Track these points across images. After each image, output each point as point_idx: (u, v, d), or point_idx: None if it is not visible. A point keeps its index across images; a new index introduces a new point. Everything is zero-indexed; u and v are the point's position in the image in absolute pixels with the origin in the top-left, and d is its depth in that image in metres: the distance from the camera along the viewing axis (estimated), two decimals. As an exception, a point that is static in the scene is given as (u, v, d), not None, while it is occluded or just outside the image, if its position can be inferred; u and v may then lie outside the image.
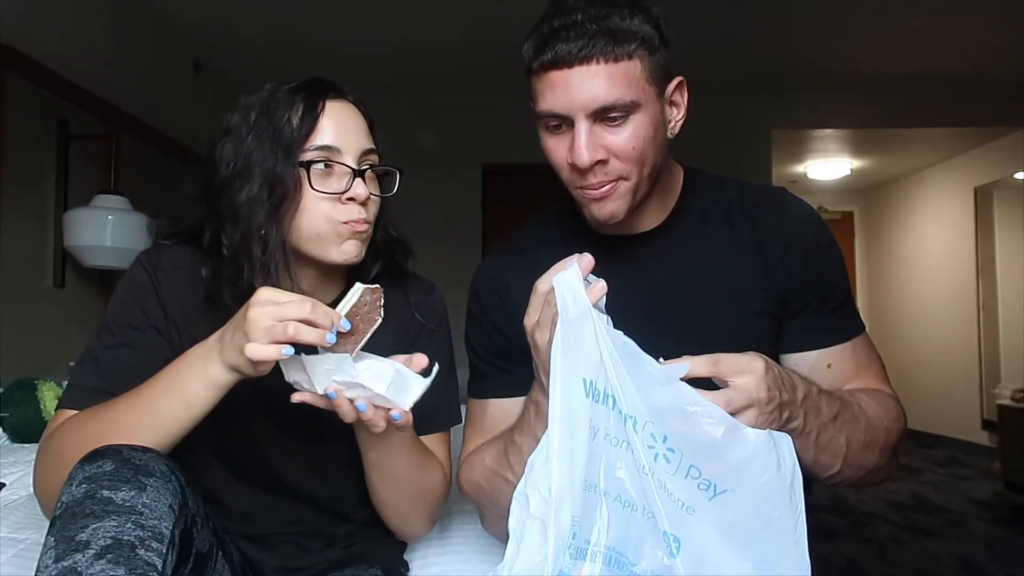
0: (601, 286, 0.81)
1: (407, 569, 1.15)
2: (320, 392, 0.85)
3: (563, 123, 0.93)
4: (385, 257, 1.08)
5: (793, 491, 0.76)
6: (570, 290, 0.79)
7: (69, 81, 2.72)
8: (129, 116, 3.08)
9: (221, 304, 0.97)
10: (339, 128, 0.97)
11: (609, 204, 0.96)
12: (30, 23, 2.61)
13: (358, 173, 0.97)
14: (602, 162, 0.93)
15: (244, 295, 0.94)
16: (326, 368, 0.85)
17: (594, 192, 0.95)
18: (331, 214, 0.96)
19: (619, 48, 0.88)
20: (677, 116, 0.98)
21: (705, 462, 0.75)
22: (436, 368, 0.89)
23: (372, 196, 0.99)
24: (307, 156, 0.95)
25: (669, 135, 0.98)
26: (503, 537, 0.79)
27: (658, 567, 0.75)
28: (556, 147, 0.95)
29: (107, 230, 2.68)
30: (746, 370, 0.79)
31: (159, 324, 1.00)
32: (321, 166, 0.96)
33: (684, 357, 0.80)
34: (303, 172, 0.95)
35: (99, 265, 2.77)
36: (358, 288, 0.88)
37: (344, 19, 3.74)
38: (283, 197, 0.94)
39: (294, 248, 0.98)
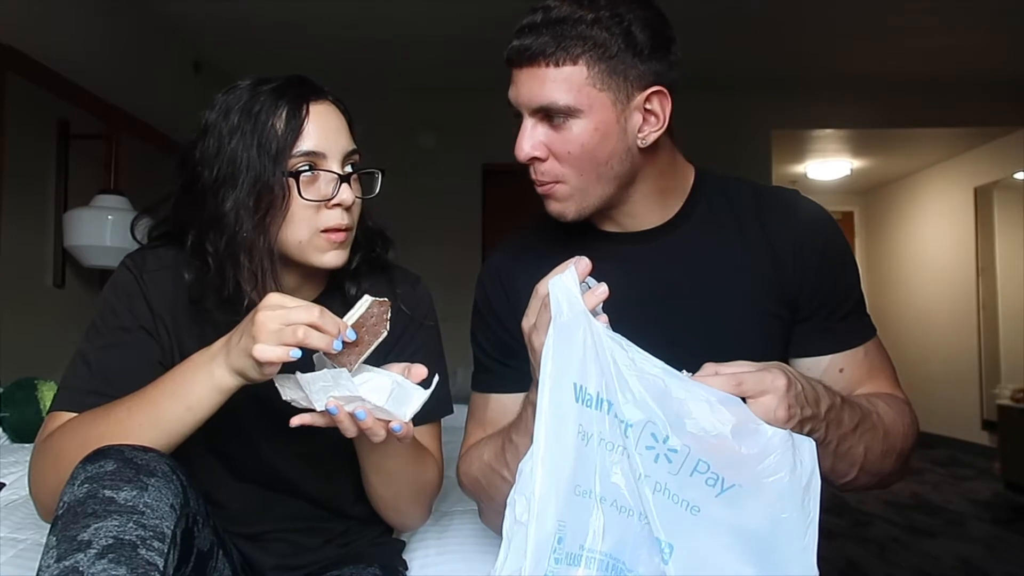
0: (602, 290, 0.81)
1: (406, 568, 1.15)
2: (319, 409, 0.85)
3: (521, 117, 0.97)
4: (365, 249, 1.08)
5: (807, 496, 0.74)
6: (565, 294, 0.79)
7: (69, 81, 2.72)
8: (129, 116, 3.08)
9: (206, 308, 0.98)
10: (324, 132, 0.96)
11: (553, 204, 0.99)
12: (30, 23, 2.61)
13: (344, 178, 0.97)
14: (540, 159, 0.96)
15: (230, 302, 0.96)
16: (323, 385, 0.84)
17: (539, 189, 0.99)
18: (314, 221, 0.96)
19: (561, 52, 0.90)
20: (654, 126, 0.96)
21: (713, 455, 0.74)
22: (436, 379, 0.89)
23: (356, 199, 0.99)
24: (294, 163, 0.94)
25: (640, 144, 0.96)
26: (500, 531, 0.80)
27: (655, 573, 0.74)
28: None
29: (107, 230, 2.68)
30: (768, 389, 0.77)
31: (147, 324, 1.00)
32: (308, 173, 0.95)
33: (707, 365, 0.79)
34: (292, 181, 0.94)
35: (99, 265, 2.77)
36: (366, 300, 0.88)
37: (344, 19, 3.73)
38: (271, 205, 0.94)
39: (279, 253, 0.98)
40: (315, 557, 1.08)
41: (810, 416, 0.81)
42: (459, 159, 4.83)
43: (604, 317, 0.81)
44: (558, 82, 0.91)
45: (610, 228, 1.05)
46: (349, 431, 0.86)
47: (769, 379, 0.78)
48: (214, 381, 0.86)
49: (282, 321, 0.81)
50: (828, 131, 5.28)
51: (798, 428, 0.79)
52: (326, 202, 0.96)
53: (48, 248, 2.79)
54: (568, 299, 0.79)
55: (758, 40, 4.08)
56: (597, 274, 0.85)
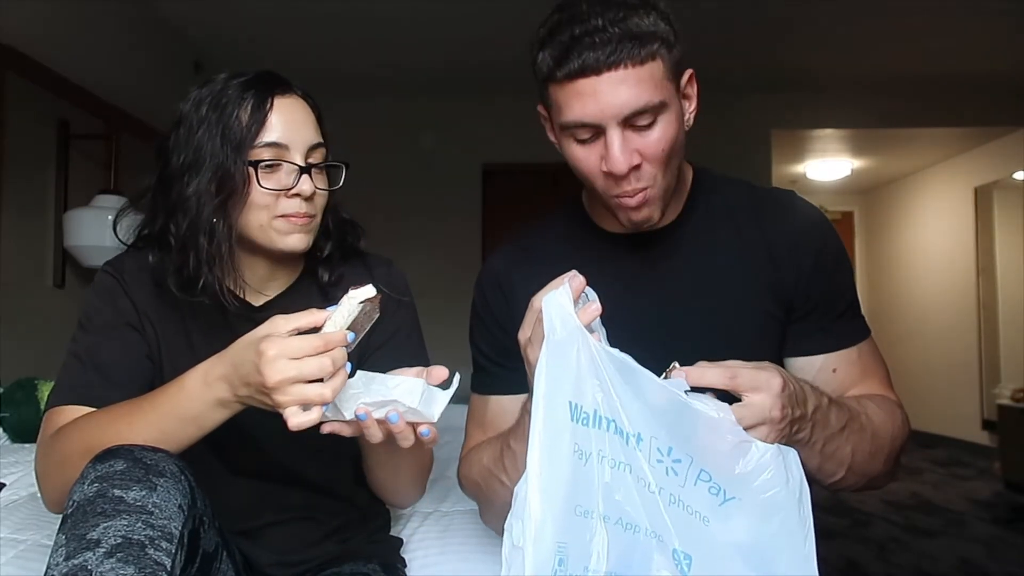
0: (595, 307, 0.80)
1: (404, 565, 1.16)
2: (349, 417, 0.84)
3: (592, 132, 0.92)
4: (337, 238, 1.11)
5: (802, 506, 0.75)
6: (559, 311, 0.78)
7: (69, 81, 2.72)
8: (129, 116, 3.08)
9: (168, 289, 1.00)
10: (287, 124, 0.99)
11: (644, 210, 0.96)
12: (30, 23, 2.61)
13: (304, 170, 0.99)
14: (636, 167, 0.92)
15: (189, 284, 0.98)
16: (353, 392, 0.83)
17: (629, 200, 0.95)
18: (273, 208, 0.98)
19: (644, 50, 0.88)
20: (690, 109, 0.98)
21: (715, 466, 0.75)
22: (457, 377, 0.89)
23: (318, 190, 1.01)
24: (256, 153, 0.97)
25: (687, 128, 0.97)
26: (500, 532, 0.79)
27: None
28: (587, 156, 0.94)
29: (107, 230, 2.65)
30: (763, 387, 0.78)
31: (133, 321, 1.03)
32: (268, 164, 0.98)
33: (699, 363, 0.79)
34: (251, 170, 0.97)
35: (99, 265, 2.76)
36: (355, 303, 0.85)
37: (344, 20, 3.73)
38: (231, 192, 0.97)
39: (243, 237, 1.00)
40: (313, 553, 1.09)
41: (798, 416, 0.81)
42: (459, 159, 4.83)
43: (597, 335, 0.81)
44: (646, 81, 0.88)
45: (611, 228, 1.06)
46: (375, 437, 0.85)
47: (764, 377, 0.79)
48: (229, 412, 0.87)
49: (295, 380, 0.79)
50: (828, 131, 5.27)
51: (787, 428, 0.79)
52: (285, 191, 0.98)
53: (48, 248, 2.79)
54: (561, 316, 0.78)
55: (758, 40, 4.08)
56: (597, 274, 0.85)
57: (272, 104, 0.98)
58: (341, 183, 1.07)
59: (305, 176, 0.99)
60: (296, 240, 1.00)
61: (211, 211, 0.96)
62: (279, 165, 0.98)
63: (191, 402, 0.87)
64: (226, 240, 0.98)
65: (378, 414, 0.84)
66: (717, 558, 0.74)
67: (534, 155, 2.93)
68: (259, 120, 0.97)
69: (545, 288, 0.82)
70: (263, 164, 0.97)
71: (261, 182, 0.97)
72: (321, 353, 0.79)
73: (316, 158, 1.02)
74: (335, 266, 1.10)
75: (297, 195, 0.98)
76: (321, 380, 0.80)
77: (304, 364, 0.78)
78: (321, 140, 1.03)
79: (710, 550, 0.74)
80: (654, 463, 0.75)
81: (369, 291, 0.85)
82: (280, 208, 0.98)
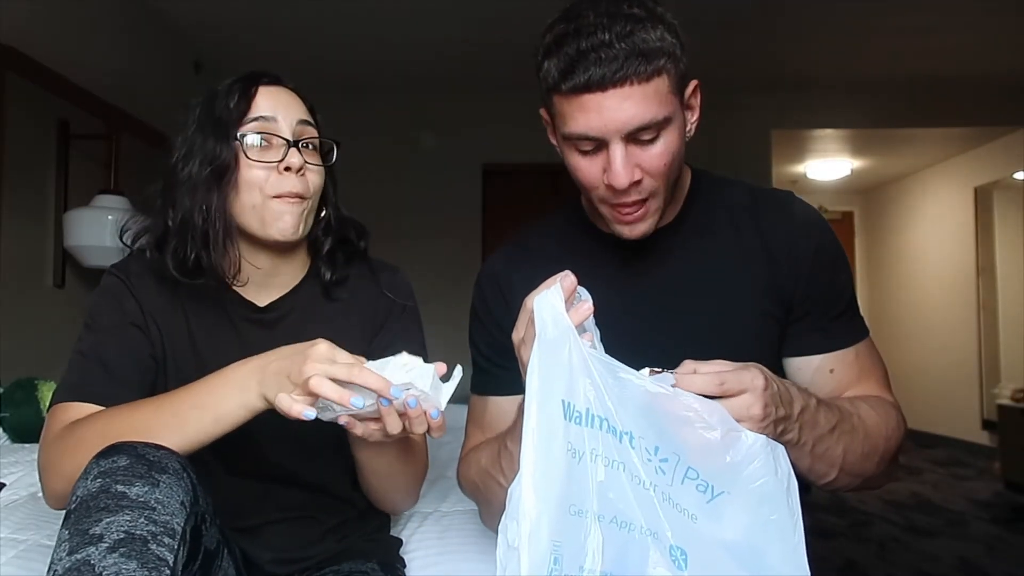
0: (587, 307, 0.80)
1: (403, 565, 1.16)
2: (368, 403, 0.84)
3: (595, 145, 0.92)
4: (337, 234, 1.11)
5: (790, 497, 0.76)
6: (550, 311, 0.78)
7: (69, 81, 2.72)
8: (129, 116, 3.08)
9: (175, 292, 1.02)
10: (273, 102, 1.02)
11: (640, 225, 0.97)
12: (30, 23, 2.61)
13: (293, 143, 1.00)
14: (636, 182, 0.92)
15: (186, 265, 1.00)
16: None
17: (628, 215, 0.95)
18: (265, 185, 1.00)
19: (650, 66, 0.87)
20: (692, 119, 0.97)
21: (702, 463, 0.75)
22: (459, 370, 0.89)
23: (309, 165, 1.02)
24: (243, 130, 1.00)
25: (687, 138, 0.97)
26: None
27: None
28: (588, 167, 0.94)
29: (107, 230, 2.68)
30: (748, 387, 0.78)
31: (138, 322, 1.03)
32: (258, 139, 1.00)
33: (686, 362, 0.80)
34: (238, 145, 0.99)
35: (99, 265, 2.77)
36: (403, 368, 0.85)
37: (344, 20, 3.74)
38: (223, 171, 0.99)
39: (240, 226, 1.02)
40: (312, 552, 1.09)
41: (783, 417, 0.81)
42: (459, 159, 4.83)
43: (589, 334, 0.81)
44: (651, 97, 0.88)
45: (609, 230, 1.06)
46: (394, 427, 0.85)
47: (748, 377, 0.79)
48: (249, 405, 0.88)
49: (326, 373, 0.82)
50: (828, 131, 5.28)
51: (771, 428, 0.80)
52: (277, 164, 1.00)
53: (48, 248, 2.79)
54: (553, 316, 0.78)
55: (758, 40, 4.08)
56: (595, 276, 0.85)
57: (257, 90, 1.02)
58: (334, 160, 1.08)
59: (293, 149, 1.00)
60: (287, 223, 1.00)
61: (205, 190, 0.99)
62: (269, 139, 1.00)
63: (215, 387, 0.89)
64: (220, 219, 0.99)
65: (391, 398, 0.85)
66: (709, 554, 0.74)
67: (534, 155, 2.93)
68: (245, 103, 1.01)
69: (538, 288, 0.82)
70: (251, 136, 0.99)
71: (248, 154, 0.99)
72: (351, 366, 0.82)
73: (306, 136, 1.04)
74: (339, 267, 1.10)
75: (288, 169, 1.00)
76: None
77: (336, 367, 0.82)
78: (311, 120, 1.05)
79: (701, 547, 0.74)
80: (645, 461, 0.75)
81: (424, 377, 0.84)
82: (271, 187, 1.00)
